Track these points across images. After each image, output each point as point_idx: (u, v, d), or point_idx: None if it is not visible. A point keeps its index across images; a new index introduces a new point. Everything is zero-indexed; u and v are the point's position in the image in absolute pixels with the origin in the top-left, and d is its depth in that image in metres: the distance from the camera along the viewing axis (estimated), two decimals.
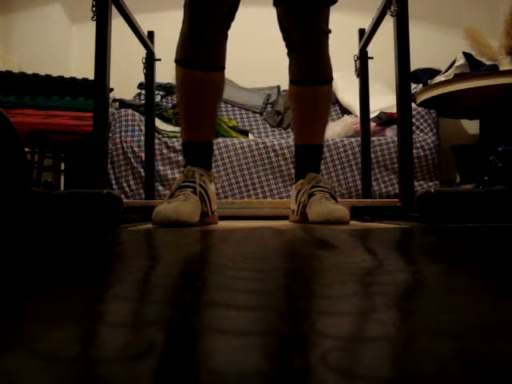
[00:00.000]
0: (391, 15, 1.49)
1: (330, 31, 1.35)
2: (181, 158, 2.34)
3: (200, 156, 1.28)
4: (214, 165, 2.39)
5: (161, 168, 2.40)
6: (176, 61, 1.26)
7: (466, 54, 2.61)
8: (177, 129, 2.56)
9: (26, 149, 2.25)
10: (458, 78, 2.44)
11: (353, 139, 2.48)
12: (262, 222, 1.42)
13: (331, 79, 1.37)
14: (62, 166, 2.72)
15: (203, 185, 1.23)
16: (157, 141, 2.32)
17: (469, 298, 0.27)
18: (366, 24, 1.94)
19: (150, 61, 2.04)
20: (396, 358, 0.17)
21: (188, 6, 1.22)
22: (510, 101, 2.32)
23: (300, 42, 1.34)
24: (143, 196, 2.22)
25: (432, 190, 1.14)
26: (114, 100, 2.69)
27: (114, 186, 2.39)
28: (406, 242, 0.74)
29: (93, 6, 1.38)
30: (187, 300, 0.26)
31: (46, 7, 3.17)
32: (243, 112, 3.06)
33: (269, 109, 3.12)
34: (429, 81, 2.69)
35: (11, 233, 0.90)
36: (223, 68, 1.27)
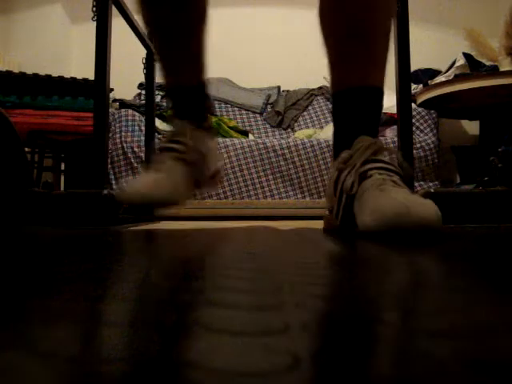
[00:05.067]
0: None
1: None
2: None
3: (190, 104, 0.96)
4: None
5: None
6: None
7: (466, 55, 2.61)
8: None
9: (26, 149, 2.25)
10: (459, 78, 2.44)
11: None
12: (261, 222, 1.42)
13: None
14: (62, 166, 2.72)
15: (196, 144, 0.92)
16: (157, 141, 2.32)
17: (469, 298, 0.27)
18: None
19: (149, 61, 2.04)
20: (396, 358, 0.17)
21: None
22: (510, 101, 2.32)
23: None
24: None
25: (432, 190, 1.14)
26: (114, 100, 2.69)
27: (114, 186, 2.39)
28: (405, 241, 0.74)
29: (93, 6, 1.38)
30: (186, 300, 0.26)
31: (46, 7, 3.17)
32: (243, 112, 3.06)
33: (269, 109, 3.12)
34: (429, 81, 2.69)
35: (11, 233, 0.90)
36: None
